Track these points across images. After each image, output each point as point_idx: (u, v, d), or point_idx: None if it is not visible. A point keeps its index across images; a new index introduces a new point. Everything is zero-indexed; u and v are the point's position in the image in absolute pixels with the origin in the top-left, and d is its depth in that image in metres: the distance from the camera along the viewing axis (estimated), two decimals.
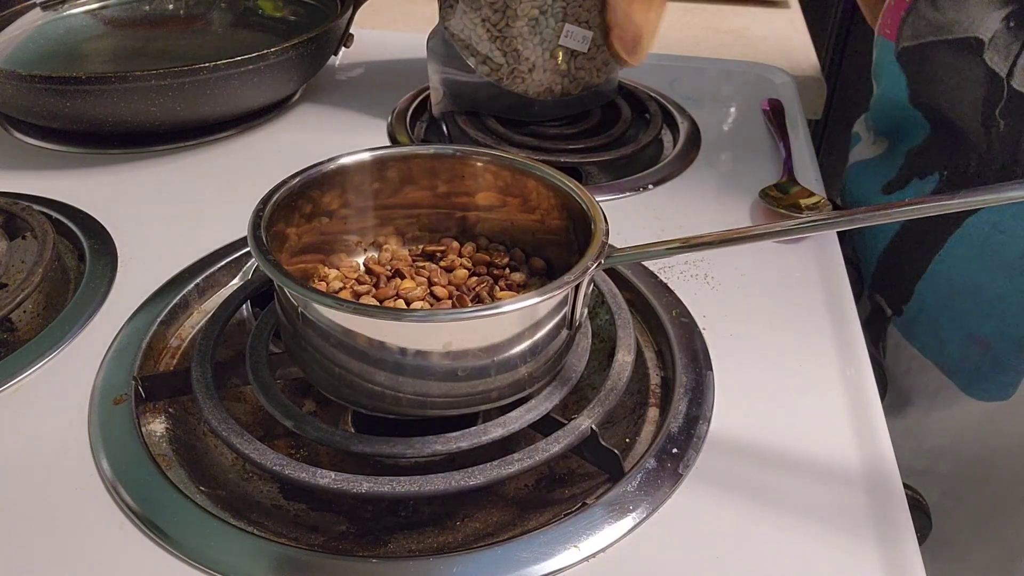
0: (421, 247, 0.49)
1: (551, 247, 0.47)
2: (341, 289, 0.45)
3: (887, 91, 0.62)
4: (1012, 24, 0.51)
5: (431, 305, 0.44)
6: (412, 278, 0.45)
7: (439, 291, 0.44)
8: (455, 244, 0.49)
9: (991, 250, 0.57)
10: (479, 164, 0.47)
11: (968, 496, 0.64)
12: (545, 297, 0.36)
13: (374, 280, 0.46)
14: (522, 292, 0.45)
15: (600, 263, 0.39)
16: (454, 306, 0.44)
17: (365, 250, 0.49)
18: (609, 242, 0.40)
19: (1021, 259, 0.55)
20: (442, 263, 0.47)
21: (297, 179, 0.44)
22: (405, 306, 0.44)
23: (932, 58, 0.56)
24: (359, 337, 0.37)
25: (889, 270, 0.66)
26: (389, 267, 0.46)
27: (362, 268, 0.47)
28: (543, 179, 0.45)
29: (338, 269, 0.47)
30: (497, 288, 0.45)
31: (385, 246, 0.49)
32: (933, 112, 0.60)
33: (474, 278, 0.46)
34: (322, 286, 0.46)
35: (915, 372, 0.64)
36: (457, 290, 0.45)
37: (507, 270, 0.47)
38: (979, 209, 0.57)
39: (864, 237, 0.68)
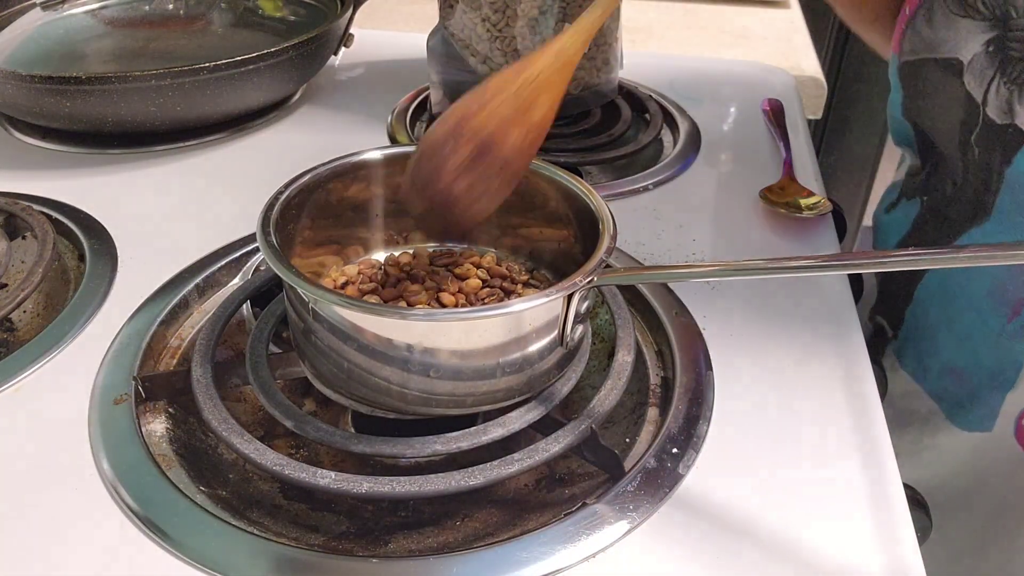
0: (440, 248, 0.49)
1: (563, 257, 0.47)
2: (346, 285, 0.45)
3: (890, 104, 0.62)
4: (991, 49, 0.50)
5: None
6: (422, 283, 0.45)
7: (446, 298, 0.44)
8: (472, 252, 0.48)
9: (958, 285, 0.56)
10: None
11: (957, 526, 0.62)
12: (530, 306, 0.36)
13: (384, 280, 0.45)
14: None
15: (592, 280, 0.38)
16: None
17: (399, 242, 0.50)
18: (610, 259, 0.40)
19: (987, 296, 0.54)
20: (457, 271, 0.46)
21: (308, 175, 0.44)
22: (406, 307, 0.43)
23: (923, 75, 0.56)
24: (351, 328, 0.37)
25: (886, 291, 0.65)
26: (407, 268, 0.46)
27: (381, 267, 0.47)
28: (570, 190, 0.45)
29: (356, 265, 0.47)
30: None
31: (402, 251, 0.49)
32: (920, 132, 0.59)
33: (485, 289, 0.45)
34: (328, 282, 0.46)
35: (909, 396, 0.62)
36: (466, 299, 0.44)
37: (520, 286, 0.46)
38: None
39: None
